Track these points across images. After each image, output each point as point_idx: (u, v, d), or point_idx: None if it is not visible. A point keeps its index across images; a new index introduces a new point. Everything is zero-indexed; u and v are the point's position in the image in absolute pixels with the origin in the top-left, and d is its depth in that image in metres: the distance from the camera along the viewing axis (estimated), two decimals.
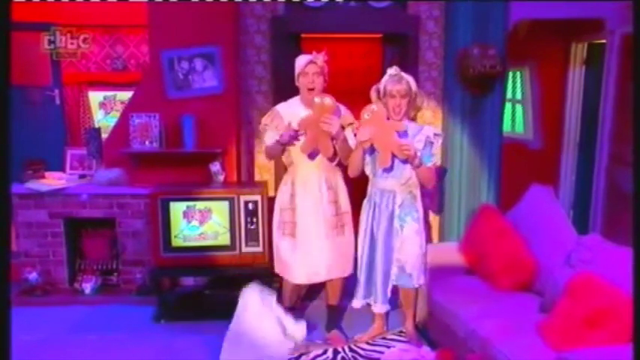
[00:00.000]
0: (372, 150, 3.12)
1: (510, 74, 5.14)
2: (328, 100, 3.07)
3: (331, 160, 3.24)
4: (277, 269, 3.44)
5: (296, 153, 3.22)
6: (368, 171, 3.25)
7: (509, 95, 5.17)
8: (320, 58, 3.14)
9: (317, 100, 3.07)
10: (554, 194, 3.38)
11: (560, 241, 3.00)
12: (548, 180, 3.96)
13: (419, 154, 3.05)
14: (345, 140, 3.20)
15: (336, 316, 3.53)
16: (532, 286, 3.08)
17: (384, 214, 3.17)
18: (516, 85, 5.46)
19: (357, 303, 3.33)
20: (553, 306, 2.60)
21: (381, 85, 3.12)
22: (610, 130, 4.25)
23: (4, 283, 1.81)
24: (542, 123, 5.17)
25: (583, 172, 4.89)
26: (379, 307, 3.26)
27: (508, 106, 5.17)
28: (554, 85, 5.02)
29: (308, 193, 3.24)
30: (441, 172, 3.93)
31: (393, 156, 3.03)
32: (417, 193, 3.22)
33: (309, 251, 3.26)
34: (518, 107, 5.49)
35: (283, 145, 3.18)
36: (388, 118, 3.06)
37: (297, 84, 3.22)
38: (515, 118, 5.57)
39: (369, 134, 2.99)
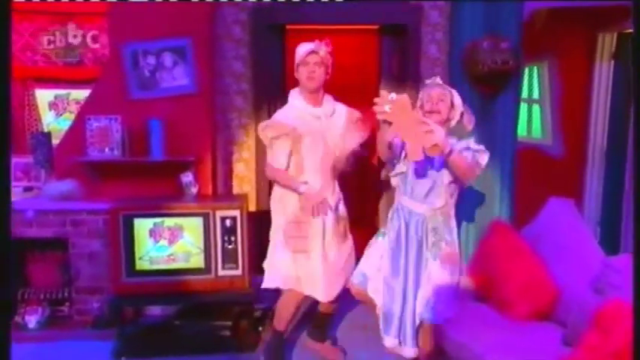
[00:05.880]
0: (399, 149, 3.06)
1: (526, 70, 5.17)
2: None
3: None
4: (282, 284, 3.37)
5: (309, 162, 3.26)
6: (394, 183, 3.20)
7: (524, 94, 5.20)
8: (323, 49, 3.23)
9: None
10: (576, 209, 3.40)
11: (585, 263, 3.02)
12: (570, 192, 3.97)
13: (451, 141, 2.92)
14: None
15: (327, 325, 3.59)
16: (553, 314, 3.10)
17: (413, 240, 3.07)
18: (533, 82, 5.49)
19: (390, 342, 3.16)
20: (578, 338, 2.59)
21: (419, 98, 3.11)
22: None
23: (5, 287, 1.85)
24: (563, 126, 5.19)
25: (611, 183, 4.90)
26: (409, 351, 3.12)
27: (523, 106, 5.20)
28: (577, 83, 5.04)
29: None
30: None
31: (424, 152, 2.75)
32: (452, 212, 3.13)
33: (327, 266, 3.30)
34: (536, 108, 5.52)
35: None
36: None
37: (295, 75, 3.32)
38: (532, 121, 5.60)
39: (393, 128, 2.71)
